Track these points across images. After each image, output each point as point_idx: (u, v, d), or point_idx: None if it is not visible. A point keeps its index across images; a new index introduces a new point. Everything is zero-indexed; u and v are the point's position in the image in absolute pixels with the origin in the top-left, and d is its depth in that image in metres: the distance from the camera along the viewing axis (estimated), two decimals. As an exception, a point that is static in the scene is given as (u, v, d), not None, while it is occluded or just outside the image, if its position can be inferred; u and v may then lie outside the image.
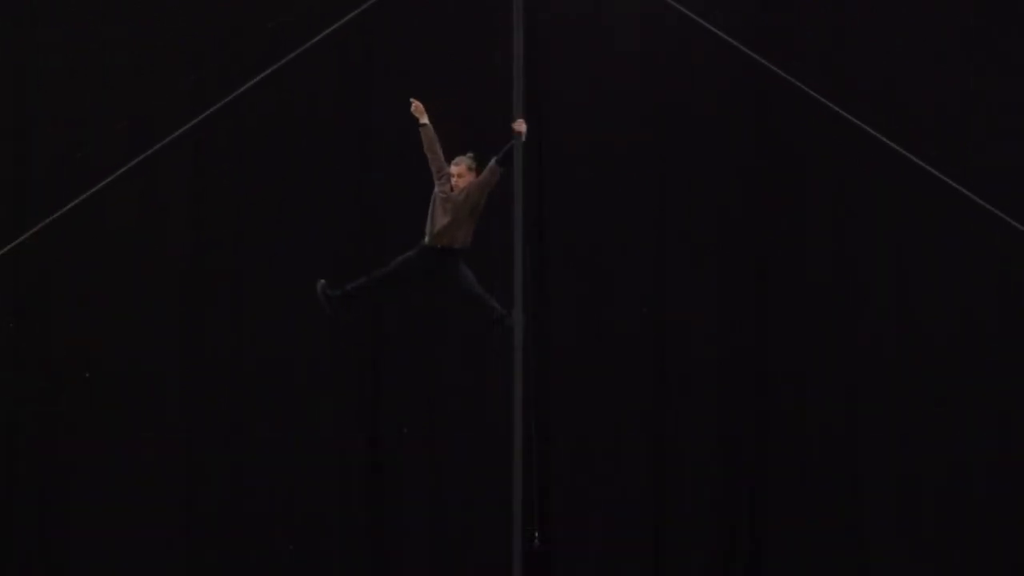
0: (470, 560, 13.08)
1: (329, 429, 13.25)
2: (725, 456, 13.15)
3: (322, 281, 9.62)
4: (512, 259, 9.47)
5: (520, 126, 9.41)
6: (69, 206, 9.96)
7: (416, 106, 9.57)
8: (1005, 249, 12.02)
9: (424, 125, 9.59)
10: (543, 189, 13.20)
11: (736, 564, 13.10)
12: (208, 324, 13.26)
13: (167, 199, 13.26)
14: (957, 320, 12.96)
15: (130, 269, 13.20)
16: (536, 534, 12.13)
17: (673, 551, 13.13)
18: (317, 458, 13.20)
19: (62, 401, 13.17)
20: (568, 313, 13.13)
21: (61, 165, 12.96)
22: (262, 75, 9.75)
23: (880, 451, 13.02)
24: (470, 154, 9.63)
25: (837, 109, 9.87)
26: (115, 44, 13.27)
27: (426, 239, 9.57)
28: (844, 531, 13.02)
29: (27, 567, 13.11)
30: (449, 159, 9.59)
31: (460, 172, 9.53)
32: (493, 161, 9.42)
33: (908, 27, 13.01)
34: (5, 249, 10.08)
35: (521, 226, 9.52)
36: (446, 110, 12.29)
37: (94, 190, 9.88)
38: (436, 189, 9.57)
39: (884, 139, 9.81)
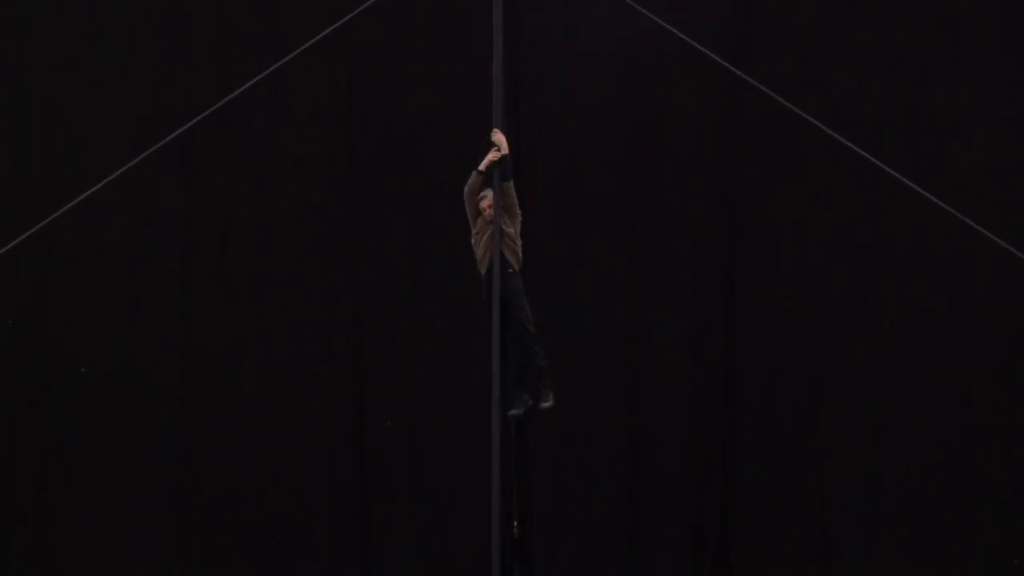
0: (452, 550, 13.22)
1: (317, 424, 13.37)
2: (695, 453, 13.26)
3: (510, 412, 9.85)
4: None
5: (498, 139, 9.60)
6: (67, 206, 10.00)
7: (495, 152, 9.62)
8: (965, 250, 12.19)
9: (482, 172, 9.65)
10: (519, 190, 13.28)
11: (706, 560, 13.23)
12: (201, 322, 13.35)
13: (162, 200, 13.36)
14: (920, 320, 13.10)
15: (126, 267, 13.32)
16: (515, 523, 12.43)
17: (646, 545, 13.25)
18: (305, 452, 13.34)
19: (58, 395, 13.26)
20: (543, 312, 13.09)
21: (59, 165, 13.19)
22: (257, 77, 9.78)
23: (847, 450, 13.14)
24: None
25: (808, 117, 9.96)
26: (110, 45, 13.40)
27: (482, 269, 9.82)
28: (812, 529, 13.14)
29: (24, 561, 13.18)
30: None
31: (490, 203, 9.73)
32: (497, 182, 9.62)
33: (874, 36, 13.23)
34: (5, 249, 10.11)
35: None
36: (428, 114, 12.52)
37: (92, 191, 9.92)
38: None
39: (850, 144, 9.92)
